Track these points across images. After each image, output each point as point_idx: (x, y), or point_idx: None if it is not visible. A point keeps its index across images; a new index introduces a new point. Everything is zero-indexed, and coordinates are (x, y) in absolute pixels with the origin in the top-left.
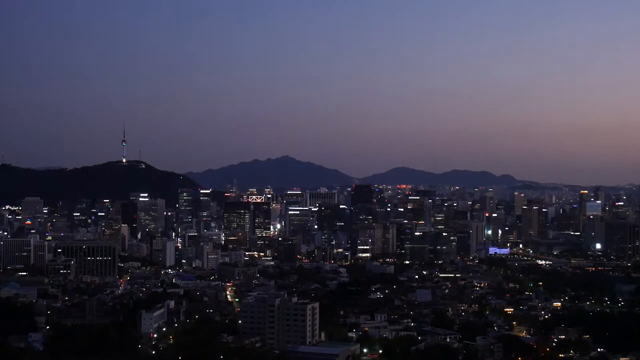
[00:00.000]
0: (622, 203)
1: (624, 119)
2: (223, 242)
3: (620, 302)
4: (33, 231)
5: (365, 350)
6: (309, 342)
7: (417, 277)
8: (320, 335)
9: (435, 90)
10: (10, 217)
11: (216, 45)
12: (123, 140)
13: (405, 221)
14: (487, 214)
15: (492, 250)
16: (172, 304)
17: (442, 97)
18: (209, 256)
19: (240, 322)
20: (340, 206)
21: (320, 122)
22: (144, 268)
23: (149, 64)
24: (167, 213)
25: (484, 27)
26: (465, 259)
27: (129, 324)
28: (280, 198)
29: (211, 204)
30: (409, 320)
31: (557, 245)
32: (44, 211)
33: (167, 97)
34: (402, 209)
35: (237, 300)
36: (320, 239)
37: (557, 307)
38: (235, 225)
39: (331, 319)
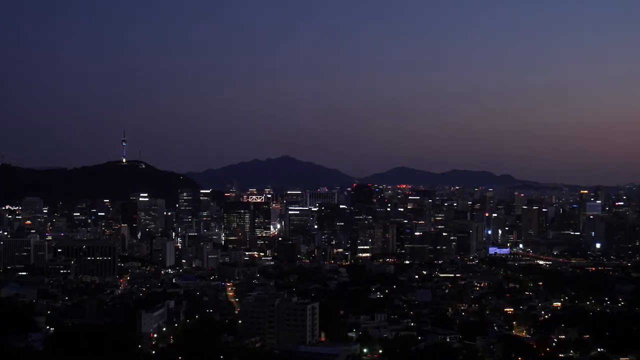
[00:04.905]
0: (622, 203)
1: (624, 119)
2: (223, 242)
3: (620, 302)
4: (33, 231)
5: (365, 350)
6: (309, 342)
7: (417, 277)
8: (320, 335)
9: (435, 90)
10: (10, 217)
11: (216, 45)
12: (123, 140)
13: (405, 221)
14: (487, 214)
15: (492, 250)
16: (172, 304)
17: (442, 97)
18: (209, 256)
19: (240, 322)
20: (340, 206)
21: (320, 122)
22: (144, 268)
23: (149, 63)
24: (167, 213)
25: (485, 28)
26: (465, 259)
27: (129, 324)
28: (280, 198)
29: (211, 204)
30: (409, 320)
31: (557, 245)
32: (44, 211)
33: (167, 97)
34: (402, 209)
35: (237, 300)
36: (320, 239)
37: (557, 307)
38: (235, 225)
39: (331, 319)
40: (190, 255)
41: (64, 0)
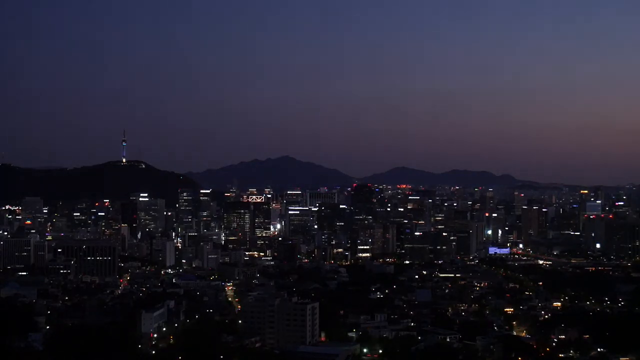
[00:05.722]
0: (622, 203)
1: (624, 119)
2: (223, 242)
3: (620, 302)
4: (33, 231)
5: (365, 350)
6: (309, 342)
7: (417, 277)
8: (320, 335)
9: (435, 90)
10: (10, 217)
11: (216, 45)
12: (123, 140)
13: (405, 221)
14: (487, 214)
15: (492, 250)
16: (172, 304)
17: (442, 97)
18: (209, 256)
19: (240, 322)
20: (340, 206)
21: (320, 122)
22: (144, 268)
23: (149, 63)
24: (167, 213)
25: (485, 28)
26: (465, 259)
27: (129, 324)
28: (280, 198)
29: (211, 204)
30: (409, 320)
31: (557, 245)
32: (44, 211)
33: (167, 97)
34: (402, 209)
35: (237, 300)
36: (320, 239)
37: (557, 307)
38: (235, 225)
39: (331, 319)
40: (190, 255)
41: (65, 2)
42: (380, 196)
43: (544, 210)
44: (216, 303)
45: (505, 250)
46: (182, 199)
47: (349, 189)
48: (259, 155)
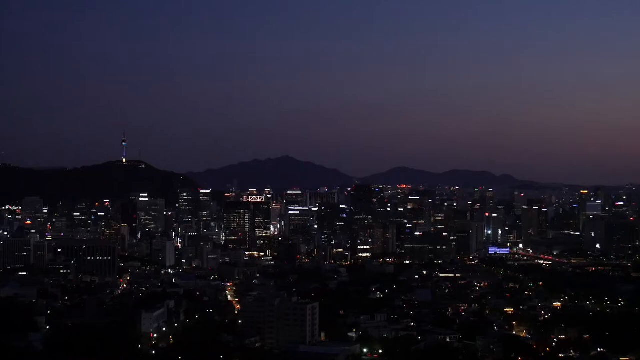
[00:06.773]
0: (622, 203)
1: (624, 119)
2: (223, 242)
3: (620, 302)
4: (33, 231)
5: (365, 350)
6: (309, 342)
7: (417, 277)
8: (320, 335)
9: (435, 90)
10: (10, 217)
11: (216, 44)
12: (123, 140)
13: (405, 221)
14: (487, 214)
15: (492, 250)
16: (172, 304)
17: (441, 97)
18: (209, 256)
19: (240, 322)
20: (340, 206)
21: (320, 122)
22: (144, 268)
23: (149, 63)
24: (167, 213)
25: (485, 28)
26: (465, 259)
27: (129, 324)
28: (280, 198)
29: (211, 204)
30: (409, 320)
31: (557, 245)
32: (44, 211)
33: (167, 97)
34: (402, 209)
35: (237, 300)
36: (320, 239)
37: (557, 307)
38: (235, 225)
39: (331, 319)
40: (190, 255)
41: (64, 0)
42: (380, 196)
43: (544, 210)
44: (216, 303)
45: (505, 250)
46: (182, 199)
47: (349, 189)
48: (259, 155)
